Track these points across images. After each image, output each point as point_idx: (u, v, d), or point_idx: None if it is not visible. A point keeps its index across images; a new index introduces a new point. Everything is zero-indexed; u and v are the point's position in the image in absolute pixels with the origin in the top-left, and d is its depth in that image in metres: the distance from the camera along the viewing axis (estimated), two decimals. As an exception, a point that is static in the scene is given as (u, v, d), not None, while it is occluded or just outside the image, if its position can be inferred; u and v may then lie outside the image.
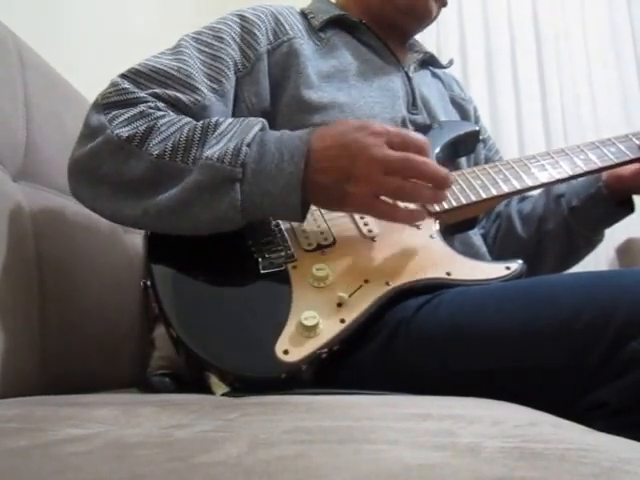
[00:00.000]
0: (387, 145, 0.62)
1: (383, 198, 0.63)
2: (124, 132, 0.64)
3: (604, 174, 0.86)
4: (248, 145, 0.62)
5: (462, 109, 1.01)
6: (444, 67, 1.01)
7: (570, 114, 2.33)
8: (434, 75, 1.00)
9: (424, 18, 0.93)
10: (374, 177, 0.61)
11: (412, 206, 0.69)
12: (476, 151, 0.98)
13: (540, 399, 0.49)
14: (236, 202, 0.61)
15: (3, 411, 0.41)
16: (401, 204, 0.66)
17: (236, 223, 0.63)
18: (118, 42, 1.41)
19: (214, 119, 0.66)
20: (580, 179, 0.91)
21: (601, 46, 2.38)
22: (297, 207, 0.62)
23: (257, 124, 0.65)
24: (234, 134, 0.64)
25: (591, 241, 0.93)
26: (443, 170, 0.64)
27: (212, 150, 0.62)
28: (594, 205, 0.88)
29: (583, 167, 0.78)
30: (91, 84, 0.82)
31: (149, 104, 0.68)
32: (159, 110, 0.68)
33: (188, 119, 0.68)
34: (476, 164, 0.96)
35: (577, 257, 0.95)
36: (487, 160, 1.01)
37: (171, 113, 0.69)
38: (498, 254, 0.92)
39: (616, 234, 2.09)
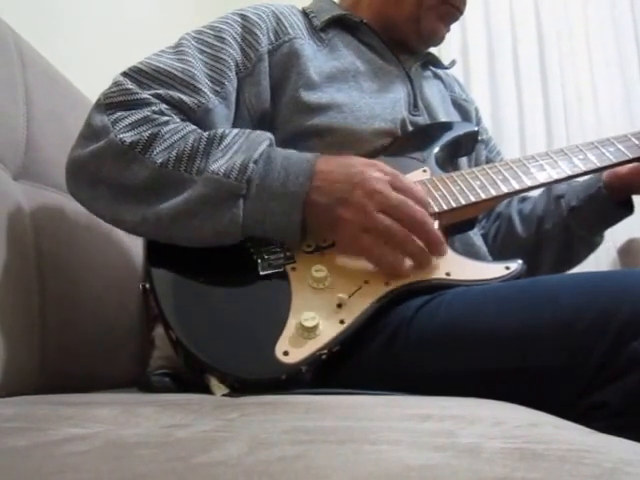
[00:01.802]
0: (390, 185, 0.63)
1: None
2: (128, 137, 0.64)
3: (603, 175, 0.87)
4: (255, 162, 0.62)
5: (463, 110, 1.01)
6: (446, 68, 1.01)
7: (572, 113, 2.33)
8: (435, 76, 1.00)
9: (436, 44, 0.96)
10: (367, 209, 0.62)
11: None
12: (477, 152, 0.98)
13: (541, 400, 0.49)
14: (238, 218, 0.61)
15: (3, 410, 0.41)
16: None
17: (235, 238, 0.63)
18: (119, 41, 1.41)
19: (220, 130, 0.66)
20: (580, 180, 0.91)
21: (604, 45, 2.38)
22: (297, 227, 0.63)
23: (265, 140, 0.66)
24: (240, 148, 0.64)
25: (590, 243, 0.93)
26: (439, 234, 0.64)
27: (218, 164, 0.62)
28: (594, 206, 0.88)
29: (582, 167, 0.78)
30: (92, 82, 0.82)
31: (153, 107, 0.68)
32: (163, 115, 0.68)
33: (192, 127, 0.68)
34: (477, 165, 0.96)
35: (576, 258, 0.95)
36: (488, 161, 1.01)
37: (175, 118, 0.69)
38: (499, 254, 0.92)
39: (618, 234, 2.09)
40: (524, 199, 1.01)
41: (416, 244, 0.63)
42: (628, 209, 0.88)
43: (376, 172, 0.64)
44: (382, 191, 0.62)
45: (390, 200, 0.62)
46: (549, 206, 0.93)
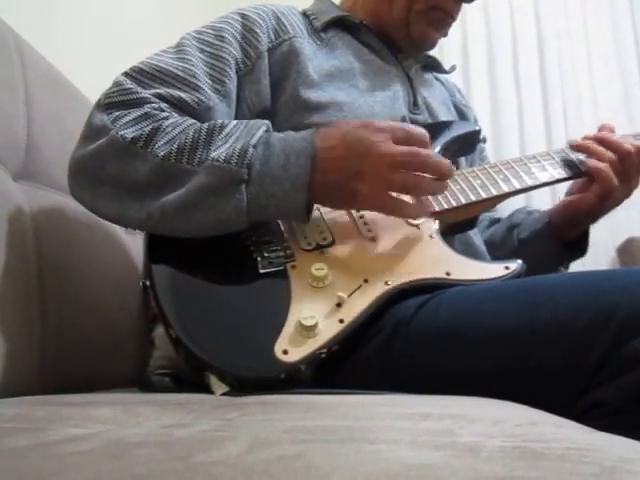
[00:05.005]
0: (391, 140, 0.63)
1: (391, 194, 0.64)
2: (129, 133, 0.64)
3: (552, 212, 0.87)
4: (254, 146, 0.62)
5: (463, 115, 1.01)
6: (447, 72, 1.01)
7: (571, 114, 2.33)
8: (436, 79, 1.00)
9: (428, 49, 0.95)
10: (382, 174, 0.62)
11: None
12: (472, 156, 0.98)
13: (540, 399, 0.49)
14: (241, 204, 0.61)
15: (3, 411, 0.41)
16: (406, 198, 0.66)
17: (241, 225, 0.63)
18: (119, 41, 1.41)
19: (219, 121, 0.66)
20: (538, 213, 0.91)
21: (603, 45, 2.38)
22: (302, 209, 0.62)
23: (262, 126, 0.66)
24: (239, 135, 0.64)
25: (547, 266, 0.88)
26: (445, 160, 0.65)
27: (219, 151, 0.62)
28: (540, 241, 0.88)
29: (582, 169, 0.79)
30: (92, 83, 0.82)
31: (153, 105, 0.68)
32: (163, 111, 0.68)
33: (193, 120, 0.68)
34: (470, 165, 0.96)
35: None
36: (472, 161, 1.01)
37: (175, 114, 0.69)
38: None
39: (617, 234, 2.09)
40: (491, 224, 1.00)
41: (433, 184, 0.66)
42: (579, 250, 0.88)
43: (374, 134, 0.63)
44: (387, 152, 0.62)
45: (397, 157, 0.62)
46: (504, 234, 0.94)
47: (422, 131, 0.66)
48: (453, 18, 0.91)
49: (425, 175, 0.65)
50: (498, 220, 1.00)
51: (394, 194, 0.64)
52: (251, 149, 0.61)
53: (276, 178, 0.61)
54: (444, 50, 2.28)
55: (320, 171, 0.62)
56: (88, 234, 0.83)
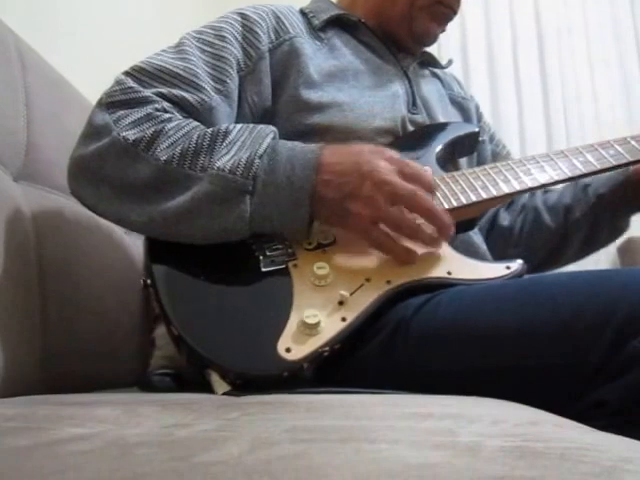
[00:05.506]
0: (398, 173, 0.62)
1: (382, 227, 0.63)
2: (130, 135, 0.64)
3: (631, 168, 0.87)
4: (260, 157, 0.62)
5: (462, 108, 1.01)
6: (443, 67, 1.01)
7: (572, 112, 2.33)
8: (434, 75, 1.00)
9: (429, 45, 0.96)
10: (378, 201, 0.61)
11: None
12: (481, 150, 0.98)
13: (540, 398, 0.49)
14: (245, 214, 0.61)
15: (4, 410, 0.41)
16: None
17: (242, 234, 0.63)
18: (118, 42, 1.41)
19: (223, 126, 0.66)
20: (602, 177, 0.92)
21: (603, 43, 2.38)
22: (305, 222, 0.63)
23: (269, 134, 0.65)
24: (244, 143, 0.64)
25: (615, 229, 0.94)
26: (448, 217, 0.64)
27: (223, 160, 0.62)
28: (621, 189, 0.88)
29: (582, 169, 0.79)
30: (92, 84, 0.82)
31: (155, 105, 0.68)
32: (165, 112, 0.68)
33: (196, 123, 0.68)
34: (481, 163, 0.96)
35: (601, 244, 0.97)
36: (494, 155, 1.01)
37: (178, 115, 0.68)
38: (526, 245, 0.95)
39: (617, 233, 2.08)
40: (546, 190, 1.00)
41: (426, 233, 0.63)
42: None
43: (383, 161, 0.63)
44: (391, 182, 0.61)
45: (399, 190, 0.61)
46: (577, 195, 0.94)
47: (430, 177, 0.65)
48: (455, 12, 0.92)
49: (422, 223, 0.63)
50: (523, 207, 1.00)
51: (384, 228, 0.63)
52: (257, 160, 0.61)
53: (280, 190, 0.61)
54: (443, 46, 2.28)
55: (322, 184, 0.62)
56: (88, 235, 0.83)
